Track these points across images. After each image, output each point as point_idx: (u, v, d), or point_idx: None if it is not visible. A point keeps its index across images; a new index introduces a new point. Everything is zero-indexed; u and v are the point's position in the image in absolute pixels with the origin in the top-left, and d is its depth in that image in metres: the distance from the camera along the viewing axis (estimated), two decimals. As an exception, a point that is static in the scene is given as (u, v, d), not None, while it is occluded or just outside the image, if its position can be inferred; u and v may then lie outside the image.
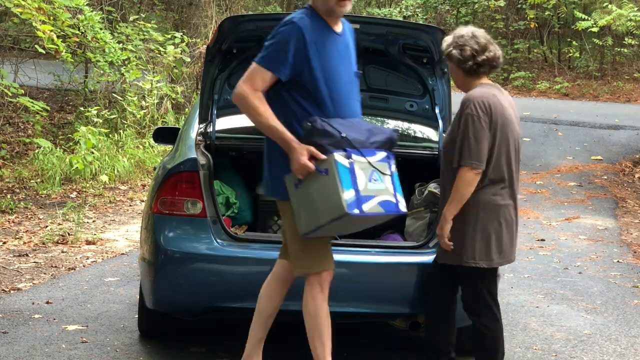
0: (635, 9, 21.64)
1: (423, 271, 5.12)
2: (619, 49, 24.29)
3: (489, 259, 4.73)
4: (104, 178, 11.76)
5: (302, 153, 4.27)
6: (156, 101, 14.33)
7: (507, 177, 4.72)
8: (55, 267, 7.79)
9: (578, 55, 24.66)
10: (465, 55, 4.66)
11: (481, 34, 4.75)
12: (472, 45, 4.67)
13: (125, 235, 9.29)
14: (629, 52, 24.20)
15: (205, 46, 9.06)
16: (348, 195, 4.20)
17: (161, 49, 15.02)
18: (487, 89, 4.71)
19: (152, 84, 14.28)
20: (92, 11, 13.48)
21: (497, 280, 4.97)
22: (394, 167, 4.50)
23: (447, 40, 4.75)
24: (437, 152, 5.58)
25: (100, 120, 13.28)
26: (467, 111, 4.60)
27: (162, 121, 14.17)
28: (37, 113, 11.96)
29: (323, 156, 4.27)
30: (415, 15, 25.24)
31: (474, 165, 4.57)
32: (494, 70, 4.77)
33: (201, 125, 5.65)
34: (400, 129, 6.20)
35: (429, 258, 5.12)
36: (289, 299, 4.99)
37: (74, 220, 9.39)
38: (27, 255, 8.18)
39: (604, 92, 22.93)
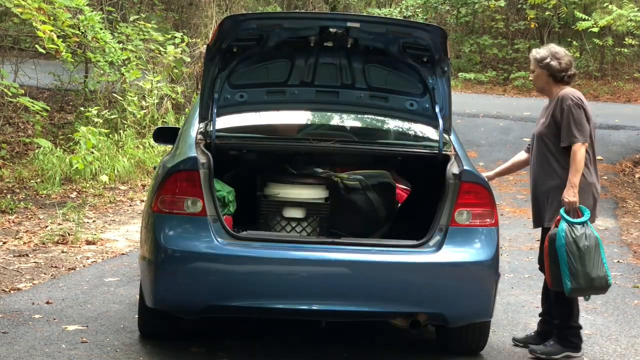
0: (636, 9, 21.63)
1: (423, 269, 5.12)
2: (619, 49, 24.29)
3: None
4: (104, 178, 11.75)
5: None
6: (156, 101, 14.32)
7: (593, 160, 5.83)
8: (55, 267, 7.79)
9: (578, 55, 24.65)
10: (562, 67, 5.83)
11: (569, 53, 6.00)
12: (567, 60, 5.87)
13: (125, 235, 9.29)
14: (629, 52, 24.20)
15: (205, 46, 9.09)
16: None
17: (161, 49, 15.01)
18: (572, 89, 5.87)
19: (152, 84, 14.27)
20: (92, 11, 13.47)
21: None
22: None
23: (541, 53, 5.90)
24: (437, 151, 5.57)
25: (101, 120, 13.27)
26: (568, 102, 5.72)
27: (162, 121, 14.16)
28: (37, 113, 11.95)
29: None
30: (416, 16, 25.23)
31: (585, 141, 5.68)
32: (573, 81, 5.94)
33: (201, 124, 5.64)
34: (400, 128, 6.20)
35: (429, 257, 5.12)
36: (296, 299, 5.02)
37: (74, 220, 9.38)
38: (27, 255, 8.17)
39: (604, 92, 22.93)
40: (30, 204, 10.48)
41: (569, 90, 5.83)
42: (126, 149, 13.00)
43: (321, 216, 5.77)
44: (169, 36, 15.33)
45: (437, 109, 5.77)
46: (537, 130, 5.92)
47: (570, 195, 5.62)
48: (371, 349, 5.85)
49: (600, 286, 5.60)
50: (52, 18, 11.02)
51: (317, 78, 5.89)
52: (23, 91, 11.78)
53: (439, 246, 5.17)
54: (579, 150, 5.65)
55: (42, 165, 11.86)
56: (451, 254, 5.16)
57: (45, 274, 7.55)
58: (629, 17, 21.40)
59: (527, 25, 25.09)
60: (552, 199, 5.75)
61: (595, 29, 21.90)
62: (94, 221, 9.91)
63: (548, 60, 5.84)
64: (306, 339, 5.98)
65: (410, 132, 6.14)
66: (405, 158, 6.09)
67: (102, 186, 11.66)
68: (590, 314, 6.99)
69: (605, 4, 22.10)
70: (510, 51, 25.19)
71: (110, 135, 13.17)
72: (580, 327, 5.84)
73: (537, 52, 5.94)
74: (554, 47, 5.94)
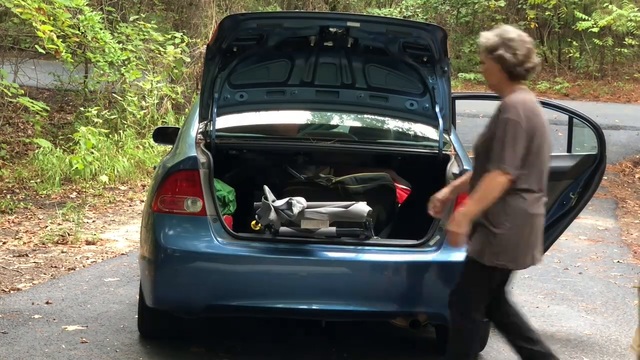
0: (636, 9, 21.65)
1: (423, 269, 5.12)
2: (619, 49, 24.30)
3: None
4: (103, 178, 11.73)
5: None
6: (156, 101, 14.31)
7: (541, 187, 4.62)
8: (55, 267, 7.78)
9: (578, 55, 24.66)
10: (518, 59, 4.56)
11: (529, 38, 4.66)
12: (524, 50, 4.57)
13: (125, 235, 9.28)
14: (629, 52, 24.21)
15: (205, 46, 9.10)
16: None
17: (161, 49, 14.99)
18: (527, 95, 4.63)
19: (152, 84, 14.26)
20: (92, 11, 13.45)
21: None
22: None
23: (492, 39, 4.61)
24: (437, 151, 5.57)
25: (100, 121, 13.26)
26: (508, 115, 4.48)
27: (162, 121, 14.15)
28: (37, 113, 11.93)
29: None
30: (416, 16, 25.25)
31: (506, 170, 4.43)
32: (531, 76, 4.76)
33: (201, 124, 5.64)
34: (400, 128, 6.19)
35: (429, 256, 5.12)
36: (296, 298, 5.01)
37: (73, 221, 9.38)
38: (27, 255, 8.17)
39: (604, 92, 22.93)
40: (30, 204, 10.47)
41: (519, 98, 4.56)
42: (126, 149, 12.99)
43: None
44: (169, 36, 15.32)
45: (437, 109, 5.77)
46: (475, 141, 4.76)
47: (454, 225, 4.56)
48: (371, 349, 5.85)
49: None
50: (52, 18, 11.01)
51: (317, 78, 5.89)
52: (23, 91, 11.76)
53: (439, 246, 5.17)
54: (493, 179, 4.45)
55: (42, 165, 11.85)
56: (451, 253, 5.16)
57: (45, 274, 7.54)
58: (629, 17, 21.42)
59: (527, 25, 25.08)
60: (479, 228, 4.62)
61: (595, 29, 21.92)
62: (93, 221, 9.90)
63: (501, 51, 4.56)
64: (306, 339, 5.98)
65: (410, 132, 6.14)
66: (405, 158, 6.09)
67: (102, 186, 11.65)
68: (590, 314, 6.99)
69: (605, 4, 22.12)
70: (510, 51, 25.19)
71: (110, 136, 13.16)
72: None
73: (487, 39, 4.63)
74: (506, 31, 4.61)
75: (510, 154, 4.43)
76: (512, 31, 4.63)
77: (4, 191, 11.05)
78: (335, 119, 6.36)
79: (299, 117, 6.35)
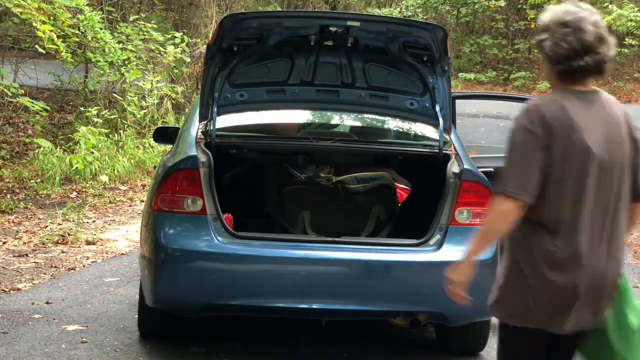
0: (636, 9, 21.65)
1: (423, 268, 5.12)
2: (619, 49, 24.27)
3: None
4: (104, 178, 11.74)
5: None
6: (156, 101, 14.31)
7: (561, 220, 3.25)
8: (55, 267, 7.78)
9: (578, 55, 24.66)
10: (558, 53, 3.26)
11: (592, 25, 3.24)
12: (574, 41, 3.23)
13: (125, 235, 9.28)
14: (630, 52, 24.20)
15: (205, 46, 9.05)
16: None
17: (161, 49, 15.00)
18: (559, 98, 3.29)
19: (152, 84, 14.27)
20: (92, 11, 13.46)
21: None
22: None
23: (545, 18, 3.30)
24: (437, 150, 5.56)
25: (100, 121, 13.27)
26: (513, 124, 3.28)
27: (162, 121, 14.15)
28: (37, 113, 11.94)
29: None
30: (416, 15, 25.24)
31: (511, 193, 3.20)
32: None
33: (201, 124, 5.64)
34: (400, 127, 6.19)
35: (429, 255, 5.12)
36: (296, 298, 5.02)
37: (73, 221, 9.37)
38: (27, 255, 8.16)
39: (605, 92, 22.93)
40: (30, 204, 10.47)
41: (534, 101, 3.30)
42: (126, 149, 12.99)
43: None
44: (169, 36, 15.32)
45: (437, 108, 5.77)
46: None
47: (450, 272, 3.49)
48: (371, 349, 5.85)
49: None
50: (52, 18, 11.02)
51: (318, 77, 5.89)
52: (23, 91, 11.77)
53: (439, 245, 5.16)
54: (496, 205, 3.25)
55: (42, 165, 11.85)
56: (451, 252, 5.14)
57: (45, 274, 7.54)
58: (629, 17, 21.43)
59: (527, 25, 25.09)
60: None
61: (596, 29, 21.89)
62: (93, 221, 9.90)
63: (543, 37, 3.29)
64: (306, 338, 5.97)
65: (410, 131, 6.14)
66: (406, 157, 6.09)
67: (102, 186, 11.65)
68: (591, 313, 6.98)
69: (605, 4, 22.12)
70: (511, 51, 25.18)
71: (110, 135, 13.16)
72: None
73: (542, 17, 3.34)
74: (566, 12, 3.25)
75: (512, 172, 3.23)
76: (574, 12, 3.25)
77: (4, 191, 11.05)
78: (336, 118, 6.36)
79: (299, 116, 6.35)
